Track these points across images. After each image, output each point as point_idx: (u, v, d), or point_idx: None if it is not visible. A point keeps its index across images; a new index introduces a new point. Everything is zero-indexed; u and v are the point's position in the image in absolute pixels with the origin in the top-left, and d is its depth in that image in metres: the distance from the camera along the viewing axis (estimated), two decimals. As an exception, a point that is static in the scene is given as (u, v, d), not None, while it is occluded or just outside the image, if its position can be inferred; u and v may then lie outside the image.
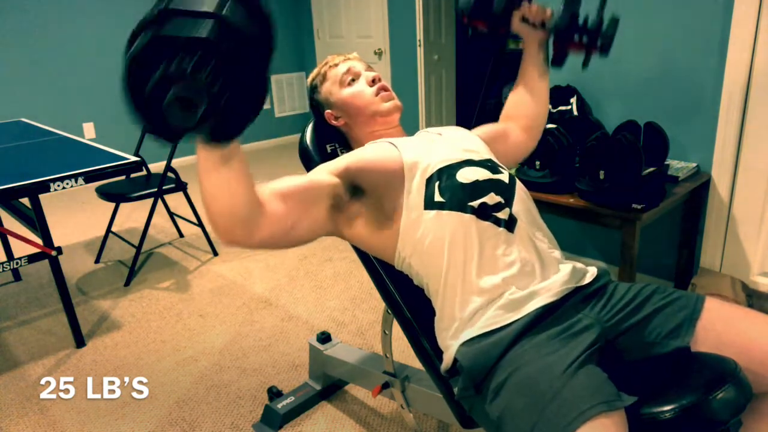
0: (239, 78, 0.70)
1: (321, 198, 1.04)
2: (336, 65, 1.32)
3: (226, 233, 0.88)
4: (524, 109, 1.40)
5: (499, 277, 1.03)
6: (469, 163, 1.13)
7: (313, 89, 1.36)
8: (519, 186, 1.15)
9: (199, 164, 0.81)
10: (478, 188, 1.08)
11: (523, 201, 1.12)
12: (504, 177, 1.13)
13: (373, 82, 1.29)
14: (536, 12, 1.29)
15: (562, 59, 1.30)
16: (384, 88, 1.29)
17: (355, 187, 1.09)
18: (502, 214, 1.07)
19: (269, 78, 0.76)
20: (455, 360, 1.06)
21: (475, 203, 1.06)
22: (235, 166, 0.81)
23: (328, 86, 1.32)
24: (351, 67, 1.31)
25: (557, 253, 1.12)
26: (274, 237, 0.95)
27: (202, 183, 0.83)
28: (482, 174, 1.10)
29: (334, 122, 1.33)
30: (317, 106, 1.36)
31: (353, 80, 1.30)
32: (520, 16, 1.31)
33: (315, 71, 1.35)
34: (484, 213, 1.06)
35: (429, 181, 1.09)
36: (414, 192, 1.08)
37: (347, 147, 1.37)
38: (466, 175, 1.09)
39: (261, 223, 0.91)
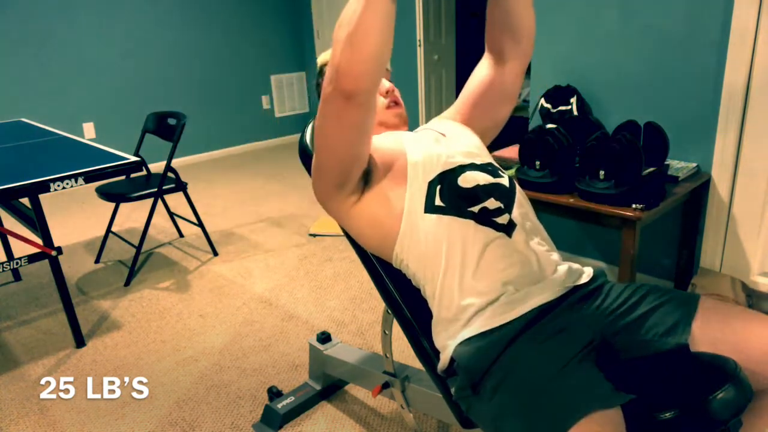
0: None
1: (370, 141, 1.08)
2: None
3: (361, 77, 0.89)
4: (515, 35, 1.21)
5: (497, 279, 1.03)
6: (471, 167, 1.12)
7: (321, 72, 1.27)
8: (518, 190, 1.15)
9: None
10: (479, 193, 1.08)
11: (521, 205, 1.12)
12: (504, 181, 1.13)
13: (386, 93, 1.25)
14: None
15: None
16: (395, 101, 1.26)
17: (367, 171, 1.10)
18: (502, 219, 1.07)
19: None
20: (452, 360, 1.06)
21: (476, 208, 1.06)
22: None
23: None
24: None
25: (555, 256, 1.13)
26: (376, 106, 1.04)
27: (367, 20, 0.85)
28: (483, 178, 1.10)
29: None
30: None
31: None
32: None
33: (326, 54, 1.24)
34: (484, 218, 1.06)
35: (431, 185, 1.09)
36: (415, 194, 1.08)
37: None
38: (467, 179, 1.09)
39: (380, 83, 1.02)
